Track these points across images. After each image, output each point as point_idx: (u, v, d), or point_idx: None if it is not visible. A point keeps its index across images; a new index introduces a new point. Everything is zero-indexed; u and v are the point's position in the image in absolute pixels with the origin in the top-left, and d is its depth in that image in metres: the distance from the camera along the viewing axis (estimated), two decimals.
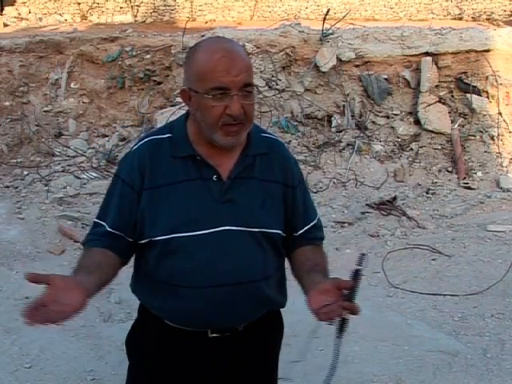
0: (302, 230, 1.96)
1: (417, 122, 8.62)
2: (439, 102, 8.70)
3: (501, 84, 8.65)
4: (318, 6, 14.21)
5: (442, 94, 8.77)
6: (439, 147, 8.46)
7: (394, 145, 8.47)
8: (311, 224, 1.98)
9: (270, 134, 2.01)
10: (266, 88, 8.63)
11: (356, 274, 1.66)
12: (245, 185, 1.82)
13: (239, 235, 1.80)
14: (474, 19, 13.91)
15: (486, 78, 8.74)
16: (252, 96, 1.77)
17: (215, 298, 1.80)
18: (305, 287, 1.84)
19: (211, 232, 1.78)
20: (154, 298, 1.87)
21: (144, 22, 13.73)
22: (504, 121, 8.54)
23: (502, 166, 8.16)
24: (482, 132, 8.52)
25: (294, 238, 1.96)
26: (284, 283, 2.01)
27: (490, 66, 8.71)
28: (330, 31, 8.97)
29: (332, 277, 1.78)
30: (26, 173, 7.78)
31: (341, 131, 8.49)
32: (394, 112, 8.74)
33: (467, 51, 8.82)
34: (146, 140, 1.87)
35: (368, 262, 1.68)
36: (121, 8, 13.85)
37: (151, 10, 14.00)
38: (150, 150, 1.83)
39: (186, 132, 1.83)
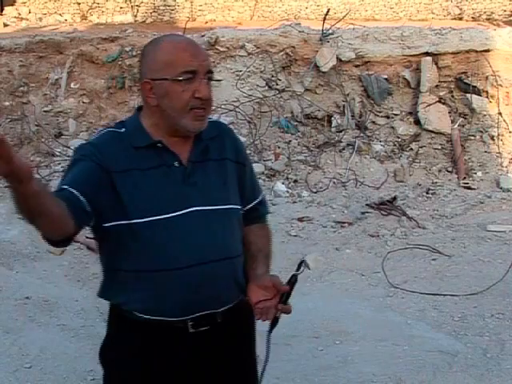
0: (250, 206, 2.05)
1: (417, 121, 8.63)
2: (439, 102, 8.71)
3: (500, 84, 8.66)
4: (318, 5, 14.21)
5: (441, 94, 8.77)
6: (439, 147, 8.47)
7: (394, 145, 8.48)
8: (258, 200, 2.08)
9: (213, 118, 2.09)
10: (266, 88, 8.63)
11: (293, 279, 1.88)
12: (204, 167, 1.90)
13: (208, 214, 1.86)
14: (474, 19, 13.91)
15: (486, 77, 8.74)
16: (211, 83, 1.87)
17: (193, 277, 1.83)
18: (247, 275, 1.96)
19: (181, 214, 1.83)
20: (131, 291, 1.87)
21: (144, 22, 13.73)
22: (504, 121, 8.55)
23: (502, 166, 8.16)
24: (482, 132, 8.53)
25: (243, 215, 2.03)
26: None
27: (490, 66, 8.72)
28: (330, 31, 8.98)
29: (272, 274, 1.94)
30: None
31: (341, 131, 8.50)
32: (394, 112, 8.74)
33: (467, 51, 8.82)
34: (103, 132, 1.92)
35: (305, 267, 1.89)
36: (121, 8, 13.84)
37: (151, 10, 13.99)
38: (110, 139, 1.88)
39: (141, 125, 1.89)
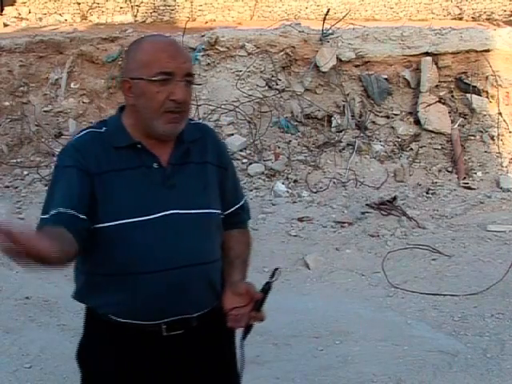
0: (230, 210, 2.03)
1: (417, 121, 8.63)
2: (439, 102, 8.70)
3: (500, 84, 8.65)
4: (318, 5, 14.21)
5: (441, 94, 8.77)
6: (439, 147, 8.46)
7: (394, 145, 8.47)
8: (239, 204, 2.06)
9: (196, 120, 2.08)
10: (266, 88, 8.63)
11: (266, 287, 1.87)
12: (184, 170, 1.88)
13: (186, 218, 1.85)
14: (473, 19, 13.91)
15: (486, 77, 8.74)
16: (191, 87, 1.84)
17: (170, 280, 1.81)
18: (223, 281, 1.96)
19: (159, 216, 1.81)
20: (104, 294, 1.85)
21: (144, 22, 13.73)
22: (504, 121, 8.55)
23: (502, 166, 8.16)
24: (482, 132, 8.52)
25: (223, 219, 2.01)
26: None
27: (490, 66, 8.72)
28: (330, 31, 8.98)
29: (247, 282, 1.93)
30: (26, 173, 7.79)
31: (341, 131, 8.50)
32: (394, 112, 8.74)
33: (467, 51, 8.82)
34: (85, 132, 1.90)
35: (280, 275, 1.88)
36: (121, 8, 13.85)
37: (151, 10, 14.00)
38: (90, 140, 1.86)
39: (123, 125, 1.87)
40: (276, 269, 1.89)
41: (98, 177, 1.79)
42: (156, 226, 1.81)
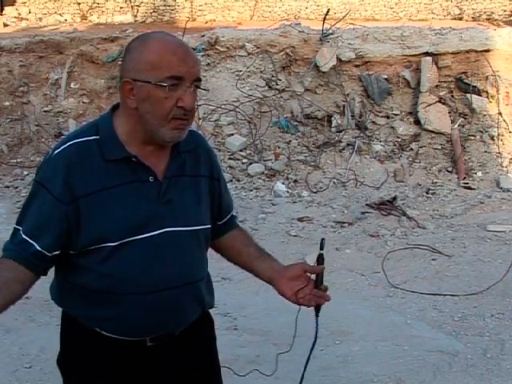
0: (226, 218, 1.99)
1: (417, 122, 8.63)
2: (439, 102, 8.71)
3: (500, 84, 8.65)
4: (318, 5, 14.22)
5: (442, 94, 8.77)
6: (439, 147, 8.46)
7: (394, 145, 8.47)
8: (232, 212, 2.03)
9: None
10: (266, 88, 8.63)
11: (320, 258, 1.84)
12: (179, 183, 1.79)
13: (181, 235, 1.77)
14: (474, 19, 13.92)
15: (486, 77, 8.74)
16: (196, 93, 1.74)
17: (163, 301, 1.75)
18: (264, 275, 1.92)
19: (154, 235, 1.73)
20: (94, 309, 1.78)
21: (144, 22, 13.74)
22: (504, 121, 8.55)
23: (502, 166, 8.16)
24: (482, 132, 8.53)
25: (218, 227, 1.97)
26: (211, 282, 1.98)
27: (490, 66, 8.72)
28: (330, 31, 8.98)
29: (298, 262, 1.90)
30: (25, 173, 7.79)
31: (341, 131, 8.50)
32: (394, 112, 8.74)
33: (467, 51, 8.82)
34: (71, 143, 1.73)
35: (325, 245, 1.86)
36: (121, 8, 13.86)
37: (151, 10, 14.01)
38: (77, 153, 1.70)
39: (115, 133, 1.73)
40: (323, 239, 1.87)
41: (85, 199, 1.68)
42: (150, 246, 1.73)
